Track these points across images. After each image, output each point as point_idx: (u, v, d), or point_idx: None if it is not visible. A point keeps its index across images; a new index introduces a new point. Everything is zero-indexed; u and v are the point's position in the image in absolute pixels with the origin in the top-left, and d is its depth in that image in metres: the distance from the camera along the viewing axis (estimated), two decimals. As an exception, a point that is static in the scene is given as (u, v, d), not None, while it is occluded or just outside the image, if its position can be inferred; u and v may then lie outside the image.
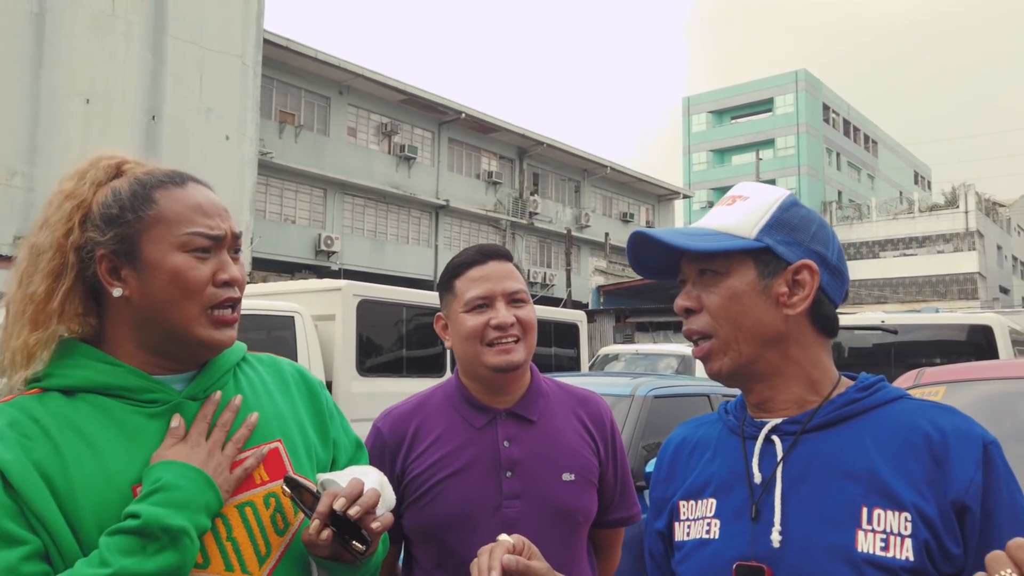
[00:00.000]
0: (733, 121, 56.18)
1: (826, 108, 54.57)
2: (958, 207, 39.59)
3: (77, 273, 1.09)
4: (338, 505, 1.07)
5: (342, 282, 6.87)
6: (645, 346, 12.44)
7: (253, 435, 1.15)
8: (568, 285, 24.95)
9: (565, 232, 27.52)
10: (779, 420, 1.05)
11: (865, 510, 0.94)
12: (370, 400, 6.60)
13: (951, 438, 0.97)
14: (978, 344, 6.56)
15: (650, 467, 3.76)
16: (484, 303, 1.53)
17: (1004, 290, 41.32)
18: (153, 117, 18.93)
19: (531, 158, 31.78)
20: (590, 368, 10.86)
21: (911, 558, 0.91)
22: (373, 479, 1.20)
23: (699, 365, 10.29)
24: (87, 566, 0.94)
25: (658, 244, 1.07)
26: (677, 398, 4.73)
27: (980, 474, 0.94)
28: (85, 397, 1.05)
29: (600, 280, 26.58)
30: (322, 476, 1.16)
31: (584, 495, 1.55)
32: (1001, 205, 46.98)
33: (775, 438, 1.04)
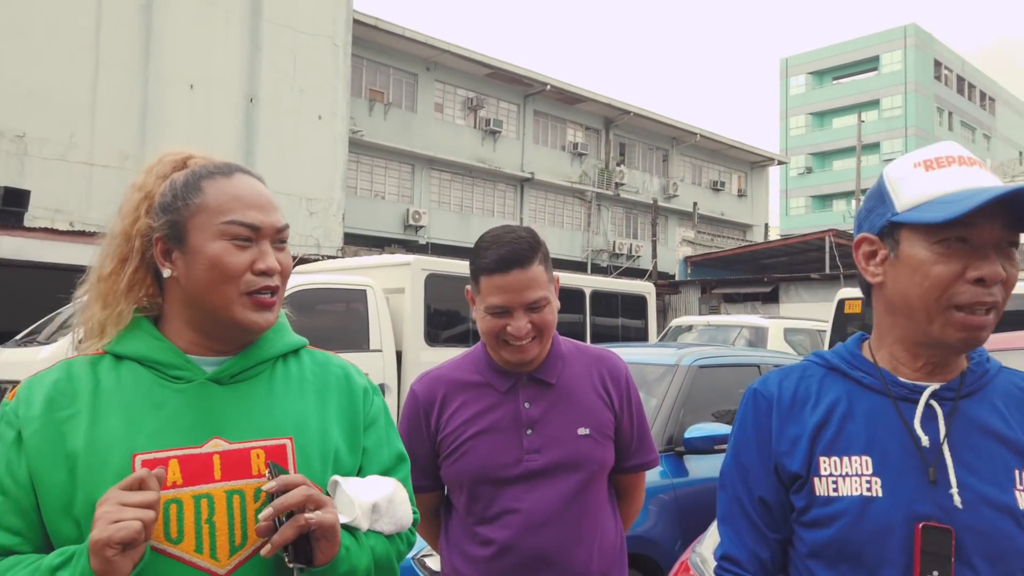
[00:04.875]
0: (835, 82, 53.63)
1: (938, 64, 51.32)
2: (1085, 168, 36.61)
3: (142, 256, 1.17)
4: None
5: (411, 257, 7.22)
6: (717, 317, 12.22)
7: (264, 429, 1.16)
8: (654, 256, 24.76)
9: (652, 202, 27.22)
10: (937, 386, 1.09)
11: (1017, 472, 1.05)
12: (437, 369, 6.91)
13: None
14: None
15: (690, 433, 3.89)
16: (503, 311, 1.65)
17: None
18: (251, 100, 19.81)
19: (618, 128, 31.45)
20: (661, 339, 10.85)
21: None
22: (384, 491, 1.19)
23: (771, 336, 10.02)
24: None
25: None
26: (724, 368, 4.81)
27: None
28: (129, 364, 1.15)
29: (688, 251, 26.15)
30: (338, 478, 1.17)
31: (598, 447, 1.72)
32: None
33: (933, 402, 1.08)
